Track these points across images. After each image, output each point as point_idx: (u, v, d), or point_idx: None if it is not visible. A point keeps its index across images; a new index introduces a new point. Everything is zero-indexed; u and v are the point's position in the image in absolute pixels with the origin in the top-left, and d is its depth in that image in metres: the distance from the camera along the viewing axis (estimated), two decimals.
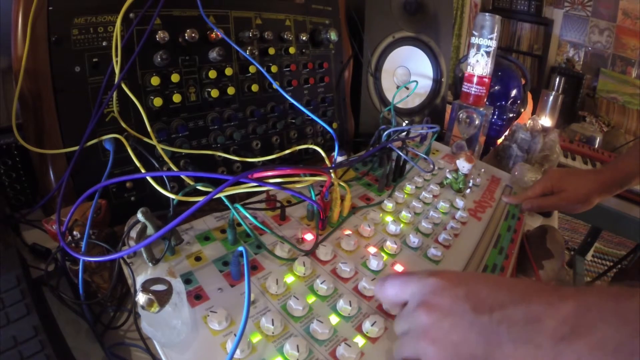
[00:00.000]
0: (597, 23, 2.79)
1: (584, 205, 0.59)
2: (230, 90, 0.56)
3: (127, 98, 0.47)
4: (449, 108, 0.87)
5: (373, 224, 0.47)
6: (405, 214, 0.50)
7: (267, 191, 0.49)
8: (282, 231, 0.44)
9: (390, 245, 0.44)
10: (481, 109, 0.79)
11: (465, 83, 0.80)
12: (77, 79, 0.45)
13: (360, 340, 0.33)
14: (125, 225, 0.38)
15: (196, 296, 0.34)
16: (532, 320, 0.22)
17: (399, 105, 0.82)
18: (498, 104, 0.93)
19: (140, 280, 0.29)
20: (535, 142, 0.80)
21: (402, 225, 0.48)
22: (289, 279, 0.38)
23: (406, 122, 0.83)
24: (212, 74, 0.54)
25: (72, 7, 0.44)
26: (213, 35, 0.53)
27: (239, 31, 0.57)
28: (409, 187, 0.57)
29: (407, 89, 0.79)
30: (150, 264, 0.36)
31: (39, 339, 0.31)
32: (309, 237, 0.44)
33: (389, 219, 0.49)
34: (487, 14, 0.75)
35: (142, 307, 0.27)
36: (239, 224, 0.42)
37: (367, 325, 0.33)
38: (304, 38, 0.66)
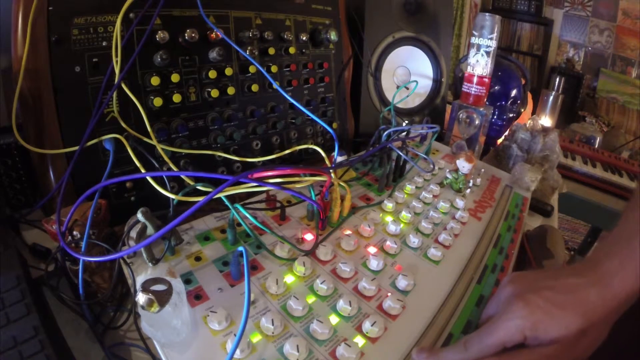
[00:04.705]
0: (597, 23, 2.79)
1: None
2: (230, 90, 0.56)
3: (127, 98, 0.47)
4: (449, 108, 0.87)
5: (373, 224, 0.47)
6: (405, 214, 0.50)
7: (267, 191, 0.49)
8: (282, 231, 0.44)
9: (390, 245, 0.44)
10: (481, 109, 0.78)
11: (465, 83, 0.80)
12: (77, 79, 0.45)
13: (360, 340, 0.33)
14: (125, 225, 0.38)
15: (196, 296, 0.34)
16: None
17: (399, 105, 0.82)
18: (498, 104, 0.93)
19: (140, 280, 0.29)
20: (535, 142, 0.80)
21: (402, 225, 0.48)
22: (289, 279, 0.38)
23: (406, 122, 0.83)
24: (212, 74, 0.54)
25: (72, 7, 0.43)
26: (213, 35, 0.53)
27: (239, 31, 0.57)
28: (409, 187, 0.57)
29: (407, 89, 0.79)
30: (150, 264, 0.36)
31: (39, 339, 0.31)
32: (309, 237, 0.44)
33: (389, 219, 0.49)
34: (487, 14, 0.75)
35: (142, 307, 0.27)
36: (239, 224, 0.42)
37: (367, 325, 0.33)
38: (304, 38, 0.66)
